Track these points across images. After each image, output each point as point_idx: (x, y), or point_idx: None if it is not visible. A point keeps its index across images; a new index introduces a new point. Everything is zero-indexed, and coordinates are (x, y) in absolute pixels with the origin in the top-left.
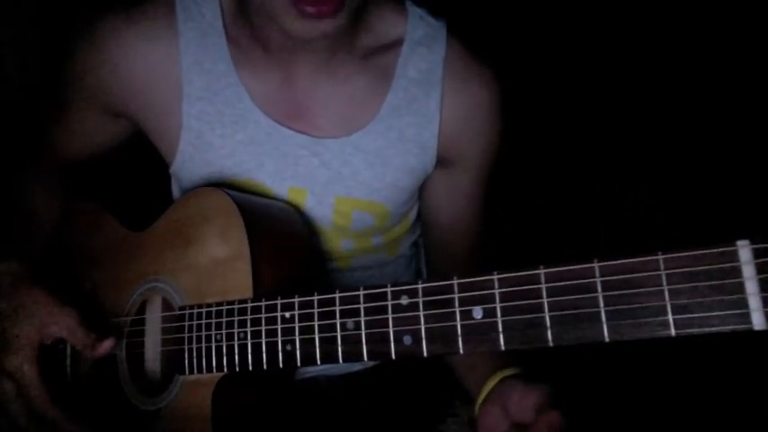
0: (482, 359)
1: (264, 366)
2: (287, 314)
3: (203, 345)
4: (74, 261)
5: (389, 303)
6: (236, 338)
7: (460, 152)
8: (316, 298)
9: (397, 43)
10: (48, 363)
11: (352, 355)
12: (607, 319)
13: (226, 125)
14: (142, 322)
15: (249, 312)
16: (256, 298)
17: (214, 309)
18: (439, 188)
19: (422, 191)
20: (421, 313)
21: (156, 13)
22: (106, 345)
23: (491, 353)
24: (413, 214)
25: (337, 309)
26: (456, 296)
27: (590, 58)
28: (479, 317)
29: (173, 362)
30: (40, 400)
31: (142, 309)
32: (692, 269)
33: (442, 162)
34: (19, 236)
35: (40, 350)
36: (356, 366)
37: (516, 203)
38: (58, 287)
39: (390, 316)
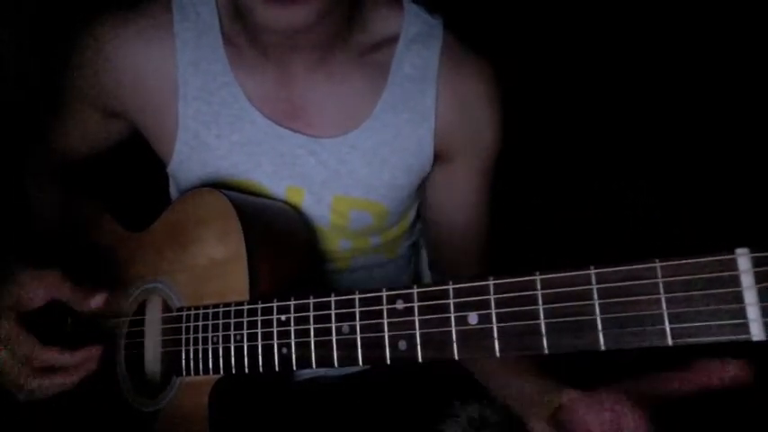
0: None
1: (260, 369)
2: (283, 317)
3: (200, 347)
4: (72, 261)
5: (385, 308)
6: (232, 341)
7: (458, 146)
8: (311, 301)
9: (392, 40)
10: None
11: (348, 359)
12: (603, 327)
13: (222, 125)
14: (141, 323)
15: (245, 315)
16: (252, 300)
17: (211, 311)
18: (439, 186)
19: (422, 190)
20: (416, 318)
21: (153, 13)
22: (99, 296)
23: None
24: (411, 215)
25: (333, 312)
26: (451, 301)
27: (589, 57)
28: (475, 323)
29: (171, 363)
30: (30, 348)
31: (141, 310)
32: (689, 277)
33: (440, 158)
34: (21, 233)
35: (48, 331)
36: (354, 367)
37: (515, 202)
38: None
39: (386, 320)
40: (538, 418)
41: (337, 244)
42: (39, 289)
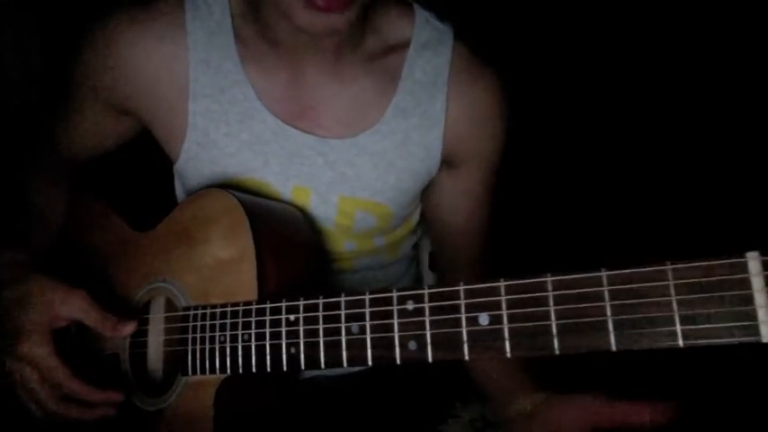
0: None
1: (268, 369)
2: (291, 317)
3: (207, 346)
4: (79, 260)
5: (395, 308)
6: (239, 340)
7: (465, 154)
8: (321, 301)
9: (403, 46)
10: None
11: (357, 359)
12: (614, 329)
13: (231, 124)
14: (146, 322)
15: (253, 314)
16: (261, 300)
17: (218, 310)
18: (443, 190)
19: (426, 193)
20: (427, 319)
21: (165, 10)
22: (129, 327)
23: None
24: (416, 216)
25: (342, 312)
26: (462, 302)
27: (598, 60)
28: (486, 323)
29: (176, 362)
30: (61, 377)
31: (146, 308)
32: (700, 280)
33: (446, 164)
34: (24, 233)
35: (54, 333)
36: (357, 367)
37: (525, 204)
38: (65, 278)
39: (396, 321)
40: (516, 414)
41: (342, 245)
42: (65, 311)
